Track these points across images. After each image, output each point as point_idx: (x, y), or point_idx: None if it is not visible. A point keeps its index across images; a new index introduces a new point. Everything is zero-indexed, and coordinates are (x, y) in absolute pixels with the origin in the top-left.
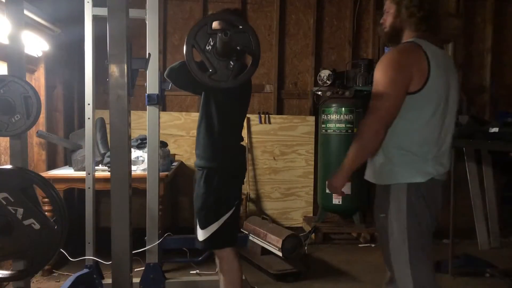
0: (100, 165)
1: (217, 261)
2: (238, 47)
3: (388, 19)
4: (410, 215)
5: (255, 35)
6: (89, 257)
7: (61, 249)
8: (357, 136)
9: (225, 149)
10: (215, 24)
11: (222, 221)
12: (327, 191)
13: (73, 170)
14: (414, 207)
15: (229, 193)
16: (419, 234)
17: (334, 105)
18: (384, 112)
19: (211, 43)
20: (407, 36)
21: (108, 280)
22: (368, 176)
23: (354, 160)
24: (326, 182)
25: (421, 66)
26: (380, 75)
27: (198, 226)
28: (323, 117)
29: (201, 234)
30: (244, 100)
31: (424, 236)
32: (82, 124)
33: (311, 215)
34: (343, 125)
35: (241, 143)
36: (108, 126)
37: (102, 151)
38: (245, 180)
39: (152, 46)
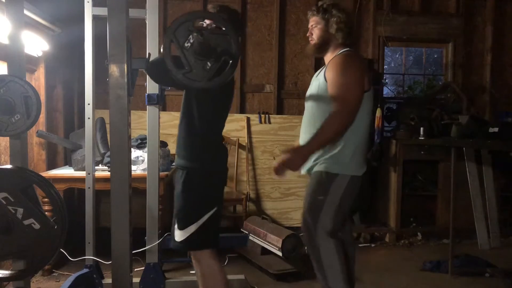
0: (100, 165)
1: (194, 264)
2: (218, 49)
3: (316, 32)
4: (341, 202)
5: (236, 38)
6: (89, 257)
7: (61, 249)
8: (328, 124)
9: (206, 148)
10: (208, 22)
11: (202, 222)
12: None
13: (73, 170)
14: (346, 197)
15: (210, 194)
16: (342, 215)
17: None
18: (354, 106)
19: (191, 41)
20: (334, 47)
21: (108, 280)
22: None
23: (323, 143)
24: (283, 158)
25: (367, 70)
26: (344, 76)
27: (176, 226)
28: None
29: (178, 235)
30: (226, 99)
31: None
32: (82, 124)
33: None
34: None
35: (223, 142)
36: (108, 126)
37: (102, 151)
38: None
39: (152, 46)
